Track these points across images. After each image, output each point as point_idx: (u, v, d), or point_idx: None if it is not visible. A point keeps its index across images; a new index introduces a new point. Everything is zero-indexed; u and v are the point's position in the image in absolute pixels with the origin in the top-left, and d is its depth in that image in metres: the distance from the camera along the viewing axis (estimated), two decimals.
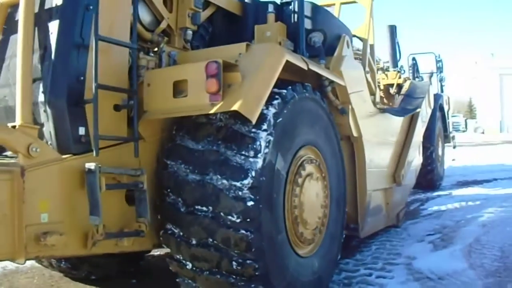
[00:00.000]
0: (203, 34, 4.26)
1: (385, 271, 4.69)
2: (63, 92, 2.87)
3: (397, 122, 6.57)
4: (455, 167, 14.14)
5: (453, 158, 11.86)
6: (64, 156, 2.82)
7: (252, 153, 3.01)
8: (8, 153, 3.14)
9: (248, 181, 2.96)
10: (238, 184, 2.97)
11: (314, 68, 3.74)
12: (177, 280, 3.40)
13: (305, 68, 3.59)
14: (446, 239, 5.83)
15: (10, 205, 2.53)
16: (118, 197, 3.10)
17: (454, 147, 12.34)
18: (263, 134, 3.06)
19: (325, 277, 3.95)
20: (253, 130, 3.06)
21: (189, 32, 3.90)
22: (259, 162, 3.00)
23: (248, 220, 2.95)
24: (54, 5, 3.00)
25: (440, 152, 10.63)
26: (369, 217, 5.19)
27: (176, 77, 3.12)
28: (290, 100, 3.35)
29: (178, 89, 3.10)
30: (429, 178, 9.99)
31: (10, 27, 3.29)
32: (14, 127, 2.68)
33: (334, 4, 5.90)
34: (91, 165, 2.75)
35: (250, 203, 2.95)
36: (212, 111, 2.95)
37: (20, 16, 2.82)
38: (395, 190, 6.33)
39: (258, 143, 3.03)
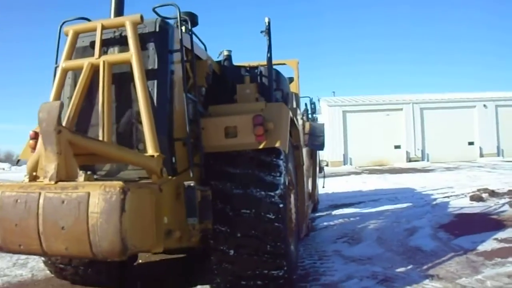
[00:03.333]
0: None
1: (325, 259, 6.54)
2: (165, 132, 4.33)
3: (309, 155, 8.68)
4: (320, 194, 16.82)
5: (323, 185, 14.15)
6: (170, 177, 4.22)
7: (278, 173, 4.78)
8: None
9: (278, 192, 4.70)
10: (272, 193, 4.69)
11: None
12: (214, 266, 4.83)
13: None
14: (355, 239, 7.95)
15: (151, 211, 3.77)
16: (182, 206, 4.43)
17: (324, 176, 14.89)
18: (281, 162, 4.85)
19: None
20: (275, 159, 4.84)
21: (203, 89, 5.51)
22: (282, 179, 4.77)
23: (280, 216, 4.68)
24: (151, 68, 4.45)
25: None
26: (304, 224, 7.11)
27: (227, 124, 4.77)
28: None
29: (226, 131, 4.75)
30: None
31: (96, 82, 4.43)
32: (152, 156, 4.00)
33: (257, 66, 7.22)
34: (190, 183, 4.16)
35: (280, 205, 4.69)
36: (260, 147, 4.69)
37: (136, 72, 4.18)
38: (309, 206, 8.36)
39: (280, 167, 4.82)
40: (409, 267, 5.80)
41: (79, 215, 3.36)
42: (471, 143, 43.58)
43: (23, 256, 7.30)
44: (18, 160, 6.07)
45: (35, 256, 7.18)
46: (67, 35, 4.62)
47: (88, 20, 5.03)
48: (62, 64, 4.52)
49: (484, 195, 12.09)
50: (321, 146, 9.11)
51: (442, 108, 43.86)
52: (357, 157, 40.51)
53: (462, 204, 11.51)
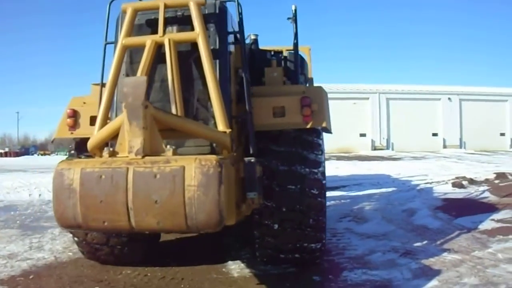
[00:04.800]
0: None
1: (339, 236, 7.19)
2: (228, 109, 4.55)
3: None
4: None
5: None
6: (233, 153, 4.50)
7: (320, 152, 5.34)
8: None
9: (321, 169, 5.27)
10: (315, 170, 5.23)
11: None
12: (256, 240, 5.33)
13: None
14: (360, 218, 8.65)
15: (232, 185, 3.96)
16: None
17: None
18: (321, 141, 5.41)
19: None
20: (316, 139, 5.36)
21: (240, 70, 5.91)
22: (323, 157, 5.35)
23: (322, 192, 5.26)
24: (213, 48, 4.64)
25: None
26: None
27: (275, 104, 5.17)
28: None
29: (274, 111, 5.16)
30: None
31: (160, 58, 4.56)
32: (224, 132, 4.18)
33: (282, 50, 7.62)
34: (251, 159, 4.34)
35: (323, 182, 5.28)
36: (308, 126, 5.16)
37: (203, 51, 4.36)
38: None
39: (322, 146, 5.40)
40: (424, 242, 6.53)
41: (174, 188, 3.44)
42: (435, 134, 45.55)
43: (35, 239, 7.44)
44: (53, 140, 6.13)
45: (49, 239, 7.49)
46: (125, 12, 4.69)
47: None
48: (122, 40, 4.57)
49: (464, 183, 13.07)
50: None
51: (407, 99, 45.52)
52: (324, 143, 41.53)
53: (445, 190, 12.43)
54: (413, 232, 7.18)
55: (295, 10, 6.31)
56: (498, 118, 46.60)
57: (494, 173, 15.04)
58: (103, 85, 4.87)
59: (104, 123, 4.40)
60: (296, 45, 6.36)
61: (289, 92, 5.36)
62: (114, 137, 4.07)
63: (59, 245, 7.02)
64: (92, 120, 5.29)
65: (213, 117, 4.45)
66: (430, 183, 14.24)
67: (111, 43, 5.03)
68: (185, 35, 4.62)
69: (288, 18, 6.62)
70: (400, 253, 6.00)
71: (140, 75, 4.27)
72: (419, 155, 34.53)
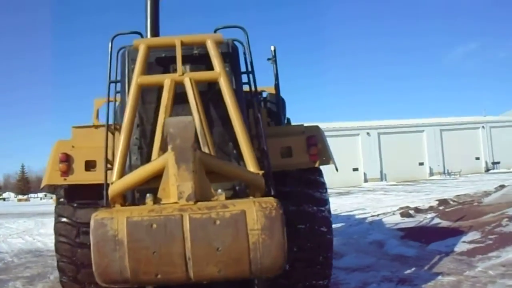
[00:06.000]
0: None
1: None
2: None
3: None
4: None
5: None
6: None
7: (324, 190, 5.52)
8: None
9: (327, 206, 5.44)
10: (322, 208, 5.40)
11: None
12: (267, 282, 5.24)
13: None
14: (334, 253, 8.63)
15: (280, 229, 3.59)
16: None
17: None
18: (323, 179, 5.57)
19: None
20: (319, 177, 5.53)
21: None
22: (327, 195, 5.51)
23: (330, 229, 5.41)
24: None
25: None
26: None
27: (282, 145, 5.29)
28: None
29: (281, 152, 5.26)
30: None
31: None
32: (257, 173, 4.07)
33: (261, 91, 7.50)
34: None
35: (330, 219, 5.44)
36: (316, 165, 5.34)
37: (225, 91, 4.38)
38: None
39: (325, 184, 5.57)
40: (412, 269, 6.74)
41: (237, 233, 3.37)
42: (355, 169, 47.38)
43: None
44: (43, 187, 5.71)
45: None
46: (137, 49, 4.63)
47: (141, 35, 5.22)
48: (137, 79, 4.46)
49: (411, 212, 13.65)
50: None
51: (328, 136, 47.25)
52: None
53: (395, 220, 12.89)
54: (396, 261, 7.38)
55: (275, 51, 6.48)
56: (416, 149, 49.56)
57: (436, 200, 15.89)
58: (112, 126, 4.85)
59: (123, 168, 4.21)
60: (277, 86, 6.51)
61: (291, 132, 5.52)
62: (141, 183, 3.90)
63: None
64: (87, 165, 5.13)
65: (234, 158, 4.55)
66: (377, 215, 14.74)
67: (116, 81, 4.96)
68: (206, 75, 4.61)
69: (268, 59, 6.79)
70: (395, 282, 6.14)
71: (164, 115, 4.20)
72: (343, 191, 35.65)
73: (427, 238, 8.85)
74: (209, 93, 4.63)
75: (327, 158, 5.40)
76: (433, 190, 26.86)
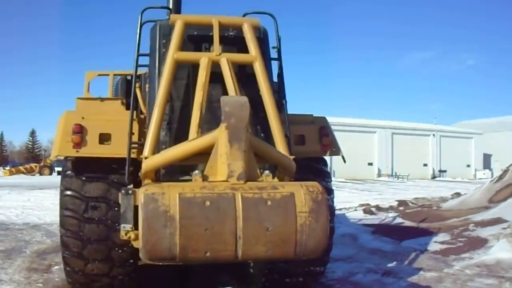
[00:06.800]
0: None
1: None
2: None
3: None
4: None
5: None
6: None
7: (329, 179, 5.85)
8: None
9: (332, 196, 5.75)
10: (328, 197, 5.56)
11: None
12: (268, 265, 5.54)
13: None
14: None
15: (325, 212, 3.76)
16: None
17: None
18: (328, 169, 5.91)
19: None
20: (324, 167, 5.86)
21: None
22: (331, 184, 5.84)
23: (333, 217, 5.74)
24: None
25: None
26: None
27: (296, 133, 5.40)
28: None
29: (295, 139, 5.40)
30: None
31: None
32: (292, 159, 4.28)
33: None
34: None
35: (334, 208, 5.87)
36: (326, 155, 5.65)
37: (260, 75, 4.56)
38: None
39: (330, 174, 5.91)
40: (393, 263, 7.24)
41: (287, 215, 3.49)
42: None
43: None
44: (54, 158, 5.52)
45: None
46: (173, 24, 4.64)
47: (170, 10, 5.32)
48: (174, 54, 4.47)
49: (373, 209, 14.29)
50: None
51: None
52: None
53: (358, 216, 13.51)
54: (375, 255, 7.87)
55: (279, 40, 6.63)
56: (366, 149, 51.06)
57: (396, 200, 16.65)
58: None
59: (156, 143, 4.27)
60: (281, 73, 6.62)
61: (303, 121, 5.69)
62: (181, 159, 3.99)
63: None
64: (101, 138, 4.96)
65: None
66: (339, 209, 15.25)
67: (146, 55, 4.94)
68: (242, 57, 4.71)
69: (273, 47, 6.98)
70: (380, 273, 6.61)
71: (201, 93, 4.28)
72: None
73: (399, 235, 9.40)
74: (238, 76, 4.66)
75: (337, 149, 5.69)
76: (383, 191, 27.98)
